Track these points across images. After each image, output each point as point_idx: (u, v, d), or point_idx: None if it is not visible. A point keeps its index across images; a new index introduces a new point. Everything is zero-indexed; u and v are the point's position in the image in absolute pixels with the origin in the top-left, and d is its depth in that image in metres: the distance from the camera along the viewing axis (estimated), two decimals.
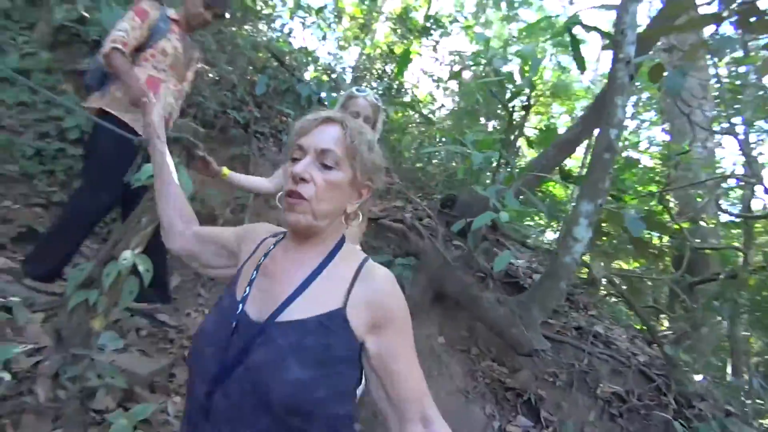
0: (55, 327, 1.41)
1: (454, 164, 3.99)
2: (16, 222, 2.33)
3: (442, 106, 6.02)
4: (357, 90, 1.48)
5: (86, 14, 3.15)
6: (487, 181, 2.82)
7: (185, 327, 2.27)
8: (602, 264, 2.47)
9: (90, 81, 1.91)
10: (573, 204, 2.33)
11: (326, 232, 0.70)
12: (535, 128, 6.82)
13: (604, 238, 2.80)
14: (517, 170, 2.49)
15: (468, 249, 2.65)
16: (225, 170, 1.62)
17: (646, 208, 3.33)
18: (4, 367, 1.07)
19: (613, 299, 3.17)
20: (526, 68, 2.43)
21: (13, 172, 2.61)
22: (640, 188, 3.56)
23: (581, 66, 2.67)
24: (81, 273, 1.52)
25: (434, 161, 4.81)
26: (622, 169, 3.63)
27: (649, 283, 3.29)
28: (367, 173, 0.71)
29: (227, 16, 2.16)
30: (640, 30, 2.67)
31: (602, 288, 3.11)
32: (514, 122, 2.57)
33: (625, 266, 4.16)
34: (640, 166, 4.05)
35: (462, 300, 2.51)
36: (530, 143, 3.02)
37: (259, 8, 5.52)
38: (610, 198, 2.99)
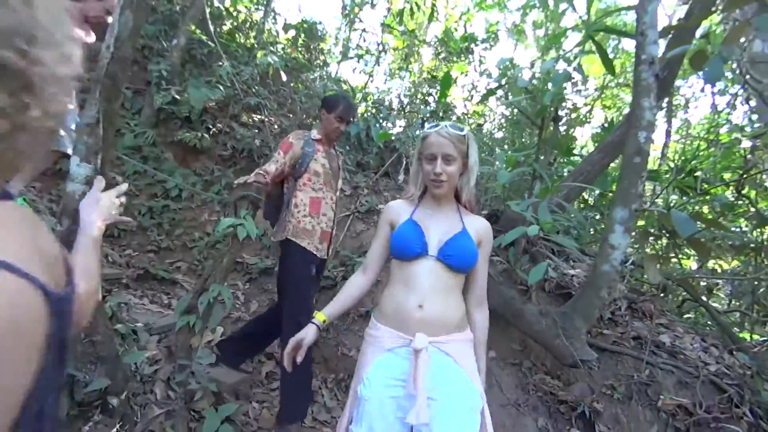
0: (167, 344, 1.86)
1: (488, 183, 4.05)
2: (136, 266, 3.00)
3: (484, 122, 6.06)
4: (430, 127, 1.24)
5: (178, 96, 3.95)
6: (525, 195, 2.87)
7: None
8: (659, 267, 2.35)
9: (268, 217, 2.33)
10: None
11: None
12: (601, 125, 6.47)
13: (663, 240, 2.60)
14: (551, 183, 2.52)
15: (509, 263, 2.71)
16: (320, 316, 1.26)
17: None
18: (134, 373, 1.50)
19: (688, 304, 2.89)
20: (549, 83, 2.50)
21: (131, 226, 3.36)
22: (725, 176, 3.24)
23: (611, 70, 2.65)
24: (183, 303, 1.98)
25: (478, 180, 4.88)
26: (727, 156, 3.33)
27: (736, 283, 2.94)
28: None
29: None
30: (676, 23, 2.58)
31: (672, 293, 2.87)
32: (544, 136, 2.62)
33: (723, 266, 3.73)
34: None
35: (506, 313, 2.57)
36: (557, 152, 2.99)
37: (313, 60, 6.25)
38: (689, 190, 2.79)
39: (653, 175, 3.78)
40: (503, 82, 3.19)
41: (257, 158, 4.16)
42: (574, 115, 6.88)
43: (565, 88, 6.14)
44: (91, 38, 1.64)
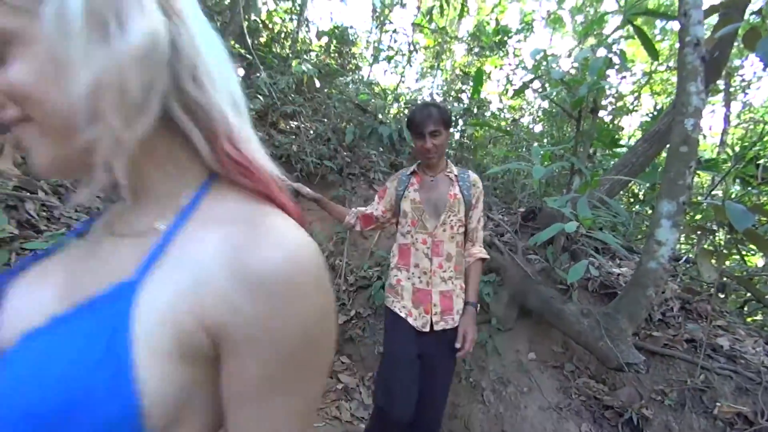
0: None
1: (526, 178, 3.91)
2: None
3: (521, 116, 5.87)
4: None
5: None
6: (564, 191, 2.76)
7: None
8: (714, 264, 2.18)
9: None
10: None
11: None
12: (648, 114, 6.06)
13: (721, 235, 2.38)
14: (591, 177, 2.42)
15: (548, 262, 2.62)
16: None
17: None
18: None
19: (752, 305, 2.63)
20: (586, 73, 2.39)
21: None
22: None
23: (654, 55, 2.49)
24: None
25: (509, 176, 4.74)
26: None
27: None
28: None
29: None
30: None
31: (732, 293, 2.62)
32: (583, 128, 2.51)
33: None
34: None
35: (545, 314, 2.50)
36: (596, 144, 2.83)
37: (346, 64, 6.38)
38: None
39: (710, 164, 3.50)
40: (538, 73, 3.09)
41: (294, 163, 4.33)
42: (620, 104, 6.50)
43: (608, 77, 5.82)
44: None
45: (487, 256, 1.80)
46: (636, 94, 6.62)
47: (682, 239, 3.74)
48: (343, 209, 1.91)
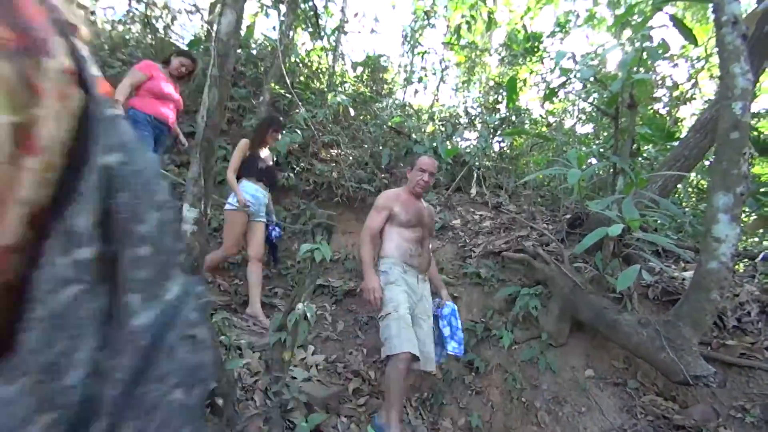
0: (264, 358, 2.13)
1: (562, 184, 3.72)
2: (241, 293, 3.46)
3: (559, 120, 5.64)
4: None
5: None
6: (610, 193, 2.61)
7: (348, 363, 2.86)
8: None
9: None
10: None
11: None
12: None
13: None
14: (635, 176, 2.27)
15: (597, 269, 2.46)
16: None
17: None
18: (237, 381, 1.77)
19: None
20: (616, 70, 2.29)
21: (238, 259, 3.88)
22: None
23: (692, 40, 2.33)
24: (276, 322, 2.26)
25: (554, 184, 4.53)
26: None
27: None
28: None
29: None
30: None
31: None
32: (621, 125, 2.38)
33: None
34: None
35: (599, 326, 2.33)
36: (641, 140, 2.63)
37: (380, 90, 6.64)
38: None
39: None
40: (569, 75, 3.00)
41: (335, 189, 4.53)
42: (675, 94, 6.00)
43: (656, 66, 5.42)
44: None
45: None
46: (693, 81, 6.08)
47: (760, 234, 3.30)
48: None
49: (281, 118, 3.41)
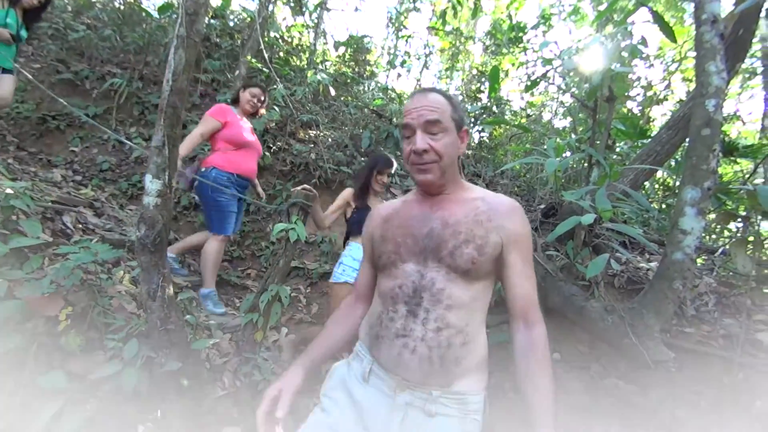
0: (235, 339, 2.07)
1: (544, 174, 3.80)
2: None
3: (541, 113, 5.73)
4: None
5: None
6: (584, 185, 2.67)
7: None
8: (752, 255, 2.04)
9: None
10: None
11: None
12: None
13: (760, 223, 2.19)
14: (610, 168, 2.33)
15: (568, 257, 2.53)
16: None
17: None
18: (205, 362, 1.71)
19: None
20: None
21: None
22: None
23: (671, 37, 2.38)
24: (247, 302, 2.19)
25: (530, 174, 4.61)
26: None
27: None
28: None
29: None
30: None
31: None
32: (599, 118, 2.42)
33: None
34: None
35: (567, 312, 2.41)
36: (616, 135, 2.71)
37: (362, 72, 6.49)
38: None
39: (748, 151, 3.27)
40: (551, 66, 3.02)
41: (313, 170, 4.42)
42: (649, 94, 6.19)
43: (635, 66, 5.55)
44: None
45: None
46: (666, 82, 6.30)
47: (718, 229, 3.50)
48: None
49: (391, 158, 2.43)
